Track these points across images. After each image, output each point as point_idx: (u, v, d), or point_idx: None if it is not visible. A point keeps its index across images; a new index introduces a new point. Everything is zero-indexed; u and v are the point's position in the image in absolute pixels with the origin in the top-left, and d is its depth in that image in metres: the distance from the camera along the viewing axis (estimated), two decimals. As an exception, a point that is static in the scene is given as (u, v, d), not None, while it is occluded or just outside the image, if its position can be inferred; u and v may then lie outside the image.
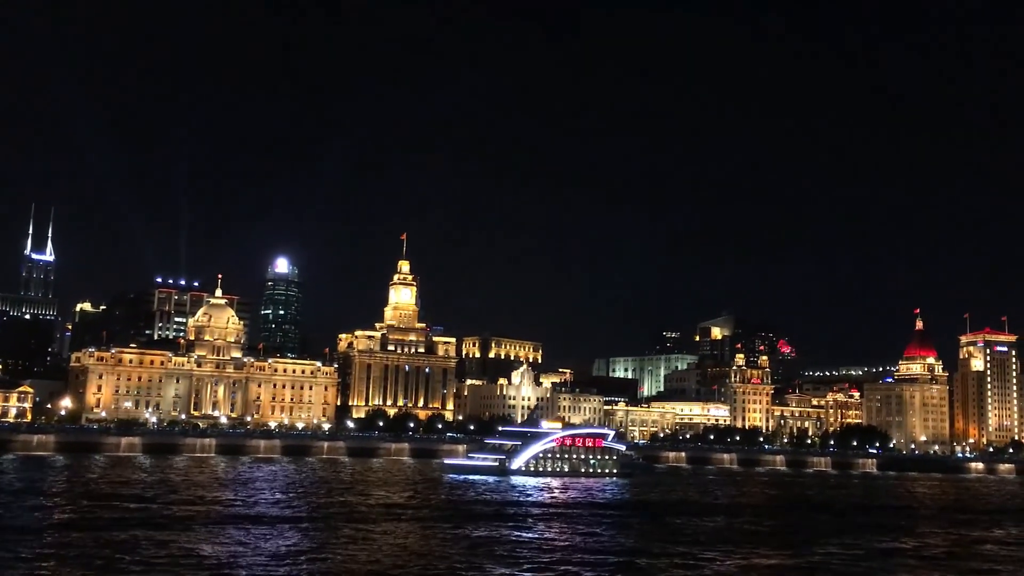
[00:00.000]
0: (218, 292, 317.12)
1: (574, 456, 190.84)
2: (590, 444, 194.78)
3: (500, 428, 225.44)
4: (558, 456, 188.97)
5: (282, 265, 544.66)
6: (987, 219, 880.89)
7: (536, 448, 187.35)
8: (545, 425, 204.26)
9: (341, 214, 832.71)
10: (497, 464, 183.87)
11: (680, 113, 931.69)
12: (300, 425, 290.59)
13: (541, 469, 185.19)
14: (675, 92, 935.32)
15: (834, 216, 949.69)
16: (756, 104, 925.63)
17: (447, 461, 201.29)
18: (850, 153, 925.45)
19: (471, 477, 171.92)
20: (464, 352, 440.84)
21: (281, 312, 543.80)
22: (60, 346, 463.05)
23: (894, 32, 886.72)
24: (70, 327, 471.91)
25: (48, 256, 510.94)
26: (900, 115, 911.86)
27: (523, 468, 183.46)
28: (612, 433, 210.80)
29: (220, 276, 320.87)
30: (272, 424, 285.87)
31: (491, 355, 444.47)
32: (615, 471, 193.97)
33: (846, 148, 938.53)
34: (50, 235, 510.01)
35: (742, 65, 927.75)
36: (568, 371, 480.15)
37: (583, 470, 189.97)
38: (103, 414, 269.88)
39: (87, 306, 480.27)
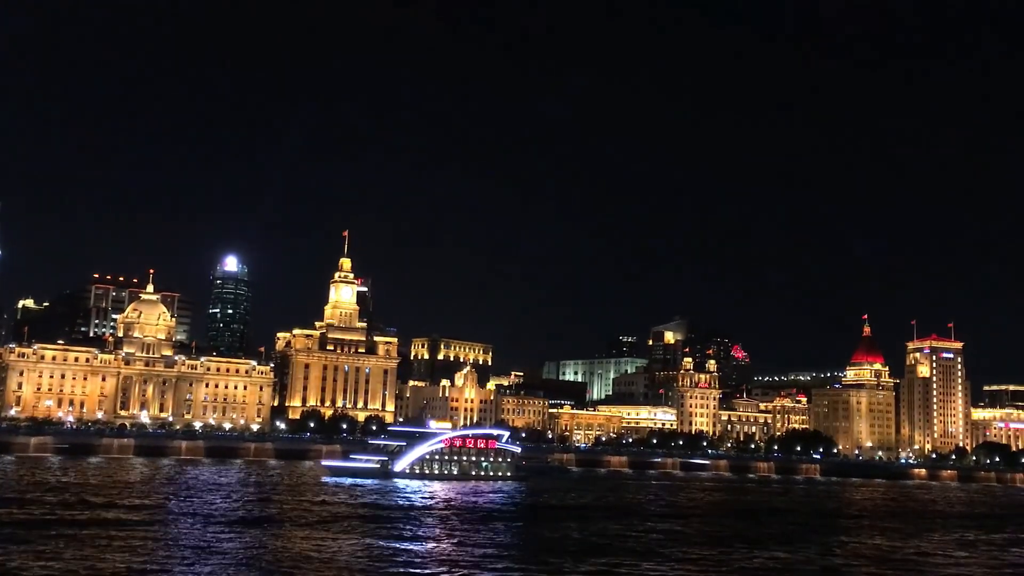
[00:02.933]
0: (149, 288, 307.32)
1: (464, 458, 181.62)
2: (482, 445, 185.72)
3: (388, 428, 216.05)
4: (447, 458, 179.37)
5: (231, 263, 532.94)
6: (936, 227, 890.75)
7: (422, 449, 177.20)
8: (433, 425, 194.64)
9: (293, 213, 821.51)
10: (379, 466, 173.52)
11: (636, 120, 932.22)
12: (227, 426, 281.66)
13: (427, 472, 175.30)
14: (629, 98, 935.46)
15: (789, 223, 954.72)
16: (710, 111, 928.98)
17: (324, 463, 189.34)
18: (802, 161, 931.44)
19: (350, 480, 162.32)
20: (413, 354, 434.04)
21: (229, 311, 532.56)
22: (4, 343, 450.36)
23: (844, 42, 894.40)
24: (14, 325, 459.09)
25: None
26: (848, 124, 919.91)
27: (407, 471, 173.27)
28: (506, 434, 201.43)
29: (152, 271, 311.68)
30: (197, 425, 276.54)
31: (440, 357, 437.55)
32: (509, 474, 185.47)
33: (798, 156, 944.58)
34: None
35: (701, 72, 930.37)
36: (519, 374, 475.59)
37: (474, 473, 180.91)
38: (13, 412, 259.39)
39: (30, 303, 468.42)
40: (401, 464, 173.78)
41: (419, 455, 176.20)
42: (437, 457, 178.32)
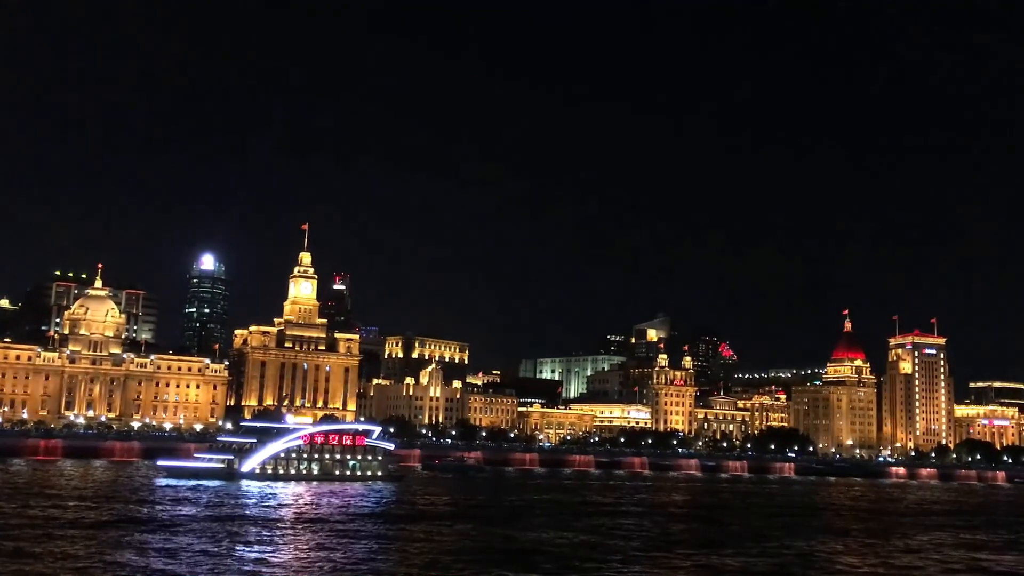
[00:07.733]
0: (98, 283, 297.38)
1: (327, 457, 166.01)
2: (348, 442, 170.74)
3: (241, 424, 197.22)
4: (305, 457, 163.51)
5: (207, 262, 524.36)
6: (920, 221, 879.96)
7: (276, 447, 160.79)
8: (290, 420, 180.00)
9: (271, 211, 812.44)
10: (224, 466, 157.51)
11: (621, 118, 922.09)
12: (168, 426, 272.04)
13: (282, 472, 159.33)
14: (611, 96, 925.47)
15: (777, 218, 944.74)
16: (701, 117, 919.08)
17: (161, 463, 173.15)
18: (787, 159, 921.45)
19: (192, 482, 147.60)
20: (387, 352, 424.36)
21: (206, 310, 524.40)
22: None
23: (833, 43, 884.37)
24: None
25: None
26: (835, 124, 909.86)
27: (257, 471, 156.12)
28: (377, 430, 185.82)
29: (100, 266, 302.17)
30: (136, 424, 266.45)
31: (414, 355, 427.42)
32: (379, 473, 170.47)
33: (783, 154, 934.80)
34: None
35: (678, 77, 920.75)
36: (495, 372, 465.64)
37: (338, 473, 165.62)
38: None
39: (5, 303, 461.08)
40: (250, 464, 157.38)
41: (272, 453, 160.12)
42: (295, 456, 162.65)
